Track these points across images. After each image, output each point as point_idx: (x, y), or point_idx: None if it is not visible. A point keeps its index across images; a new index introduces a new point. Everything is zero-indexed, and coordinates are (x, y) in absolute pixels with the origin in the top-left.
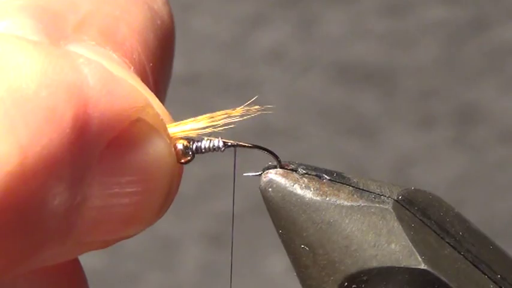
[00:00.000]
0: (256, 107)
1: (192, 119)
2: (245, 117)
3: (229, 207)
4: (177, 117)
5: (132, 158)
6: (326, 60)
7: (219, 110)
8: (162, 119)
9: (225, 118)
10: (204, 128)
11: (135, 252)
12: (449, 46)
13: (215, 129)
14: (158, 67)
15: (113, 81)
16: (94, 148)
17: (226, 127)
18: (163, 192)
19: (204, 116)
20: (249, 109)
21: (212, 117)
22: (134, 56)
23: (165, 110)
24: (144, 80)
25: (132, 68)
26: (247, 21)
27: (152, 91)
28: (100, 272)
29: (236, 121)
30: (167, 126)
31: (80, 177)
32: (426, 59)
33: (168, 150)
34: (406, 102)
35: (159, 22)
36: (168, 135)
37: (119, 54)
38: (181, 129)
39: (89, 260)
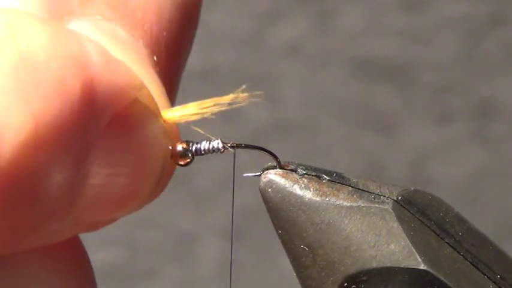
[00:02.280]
0: (245, 94)
1: (181, 106)
2: (234, 106)
3: (246, 202)
4: None
5: (130, 138)
6: (344, 55)
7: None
8: (155, 101)
9: (214, 105)
10: (194, 114)
11: (153, 247)
12: (468, 41)
13: (205, 116)
14: (175, 35)
15: (112, 60)
16: (98, 124)
17: (214, 114)
18: (157, 174)
19: (193, 103)
20: (238, 96)
21: (201, 104)
22: (145, 28)
23: (162, 92)
24: (156, 51)
25: (141, 41)
26: (265, 16)
27: (165, 61)
28: (119, 266)
29: (225, 108)
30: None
31: (84, 152)
32: (444, 54)
33: (162, 131)
34: (424, 97)
35: None
36: (162, 117)
37: (127, 27)
38: (174, 114)
39: (108, 255)
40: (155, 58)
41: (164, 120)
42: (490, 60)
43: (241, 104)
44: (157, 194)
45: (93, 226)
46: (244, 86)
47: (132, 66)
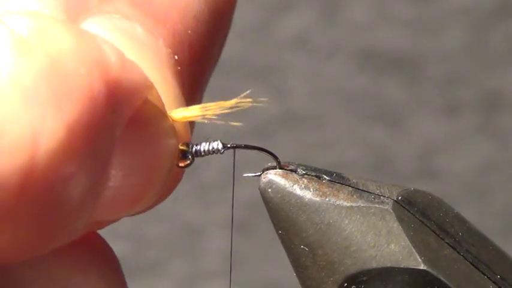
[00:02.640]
0: (249, 99)
1: (183, 108)
2: (236, 109)
3: (253, 195)
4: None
5: (144, 137)
6: (351, 46)
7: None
8: (162, 101)
9: (217, 109)
10: (197, 116)
11: (159, 240)
12: (475, 33)
13: (207, 119)
14: (201, 35)
15: (126, 60)
16: (119, 127)
17: (217, 117)
18: (166, 172)
19: (196, 106)
20: (242, 101)
21: (205, 107)
22: (168, 26)
23: (172, 93)
24: (178, 51)
25: (162, 40)
26: (272, 7)
27: (189, 61)
28: (124, 259)
29: (228, 112)
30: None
31: (108, 156)
32: (452, 45)
33: (171, 130)
34: (431, 89)
35: None
36: (170, 116)
37: (147, 25)
38: (178, 115)
39: (113, 248)
40: (176, 57)
41: (172, 120)
42: (497, 52)
43: (245, 108)
44: (163, 197)
45: (100, 225)
46: (248, 92)
47: (143, 66)
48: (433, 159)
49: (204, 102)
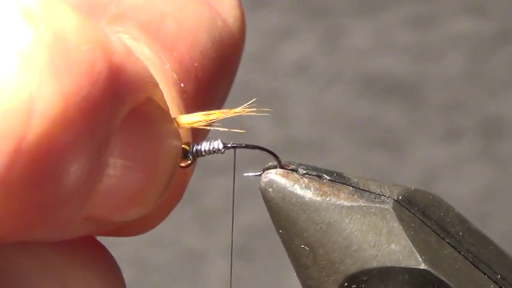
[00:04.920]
0: (252, 109)
1: (187, 115)
2: (238, 114)
3: (254, 220)
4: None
5: (145, 132)
6: (352, 72)
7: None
8: (167, 105)
9: (220, 116)
10: (199, 122)
11: (161, 266)
12: (475, 59)
13: (211, 126)
14: (208, 70)
15: (133, 53)
16: (119, 112)
17: (219, 125)
18: (168, 174)
19: (199, 113)
20: (244, 111)
21: (208, 115)
22: (175, 54)
23: (176, 102)
24: (184, 79)
25: (168, 65)
26: (273, 34)
27: (194, 92)
28: (126, 285)
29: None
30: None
31: (106, 139)
32: (452, 71)
33: (175, 132)
34: (432, 115)
35: (219, 24)
36: (175, 120)
37: (155, 49)
38: (186, 120)
39: None
40: (182, 85)
41: (177, 125)
42: (497, 78)
43: (247, 115)
44: (164, 197)
45: (103, 225)
46: (252, 100)
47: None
48: (434, 184)
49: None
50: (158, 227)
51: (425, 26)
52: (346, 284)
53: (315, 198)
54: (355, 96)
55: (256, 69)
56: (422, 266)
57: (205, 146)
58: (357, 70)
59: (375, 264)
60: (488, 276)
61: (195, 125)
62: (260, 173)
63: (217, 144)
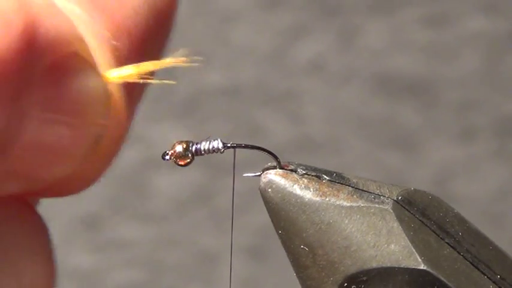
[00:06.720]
0: (185, 58)
1: (116, 69)
2: (174, 65)
3: (268, 220)
4: (217, 129)
5: (68, 88)
6: (366, 71)
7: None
8: (94, 59)
9: (151, 68)
10: (132, 75)
11: (175, 266)
12: (490, 57)
13: (143, 79)
14: (141, 28)
15: (54, 7)
16: (37, 65)
17: (152, 75)
18: (95, 131)
19: (130, 65)
20: (177, 61)
21: (138, 67)
22: (106, 12)
23: (107, 56)
24: (116, 37)
25: (99, 22)
26: (288, 33)
27: (128, 50)
28: (141, 285)
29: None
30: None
31: (21, 90)
32: (467, 70)
33: (102, 87)
34: (446, 114)
35: None
36: (103, 75)
37: (86, 7)
38: (112, 74)
39: (130, 275)
40: (115, 43)
41: (106, 79)
42: None
43: (181, 66)
44: (102, 163)
45: (31, 182)
46: (182, 49)
47: (80, 29)
48: (449, 184)
49: (219, 128)
50: (172, 227)
51: (440, 25)
52: (345, 284)
53: (314, 198)
54: (369, 95)
55: (271, 68)
56: (422, 267)
57: (204, 145)
58: (371, 69)
59: (374, 264)
60: (487, 277)
61: (125, 79)
62: (260, 173)
63: (217, 143)
